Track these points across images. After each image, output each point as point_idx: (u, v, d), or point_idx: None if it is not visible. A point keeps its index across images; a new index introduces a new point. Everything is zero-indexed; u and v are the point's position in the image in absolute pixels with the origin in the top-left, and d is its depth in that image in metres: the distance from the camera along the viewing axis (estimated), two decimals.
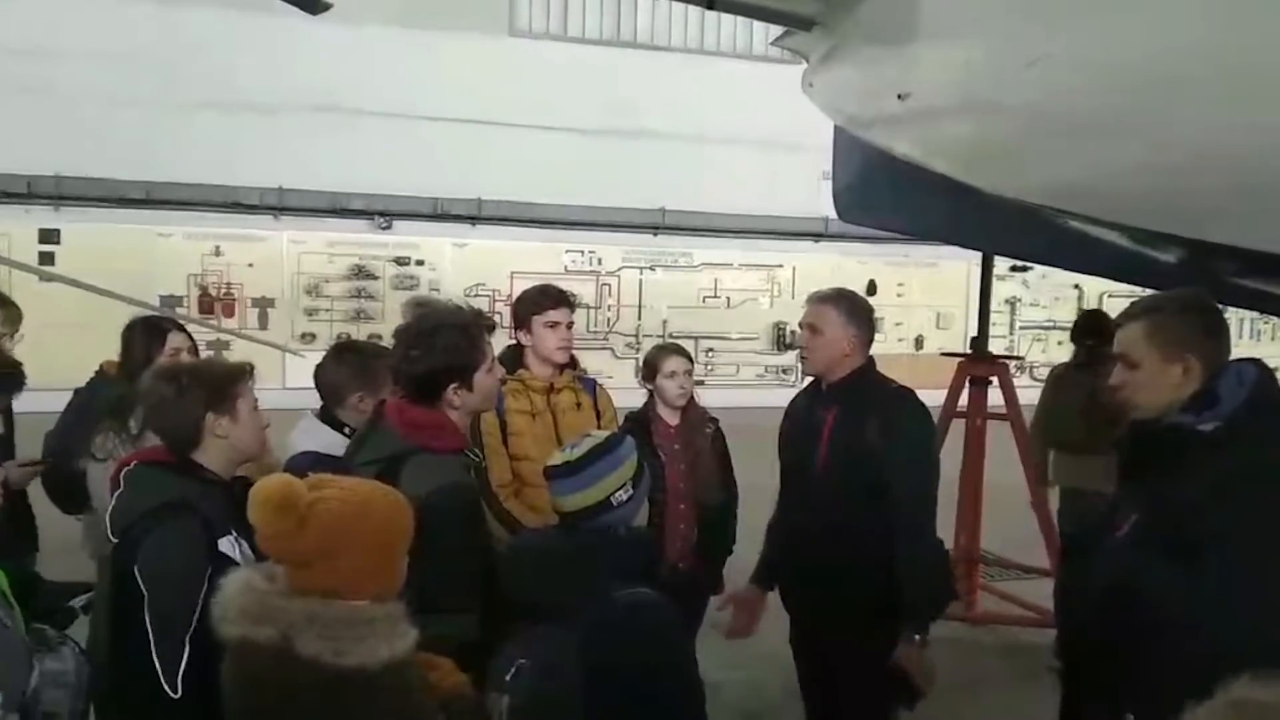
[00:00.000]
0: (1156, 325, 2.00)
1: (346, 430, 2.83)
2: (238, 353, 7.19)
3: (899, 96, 3.00)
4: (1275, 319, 11.54)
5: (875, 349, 3.03)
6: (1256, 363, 1.97)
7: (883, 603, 2.79)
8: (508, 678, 1.89)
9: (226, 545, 2.11)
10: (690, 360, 3.65)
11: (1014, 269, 12.80)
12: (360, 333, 11.25)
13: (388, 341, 2.60)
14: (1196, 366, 1.95)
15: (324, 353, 3.08)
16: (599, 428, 3.19)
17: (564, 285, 3.46)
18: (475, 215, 12.17)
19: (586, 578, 1.97)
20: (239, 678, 1.66)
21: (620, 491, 2.07)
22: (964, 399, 5.35)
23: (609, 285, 12.76)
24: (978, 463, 5.32)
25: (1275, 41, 1.45)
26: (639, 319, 12.79)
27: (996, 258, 5.76)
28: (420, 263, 12.07)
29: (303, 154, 11.11)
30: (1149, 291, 2.33)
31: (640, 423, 3.53)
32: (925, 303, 13.59)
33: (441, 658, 1.89)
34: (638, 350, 11.83)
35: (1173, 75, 1.71)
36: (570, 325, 3.35)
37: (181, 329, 3.51)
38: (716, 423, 3.72)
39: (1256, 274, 2.17)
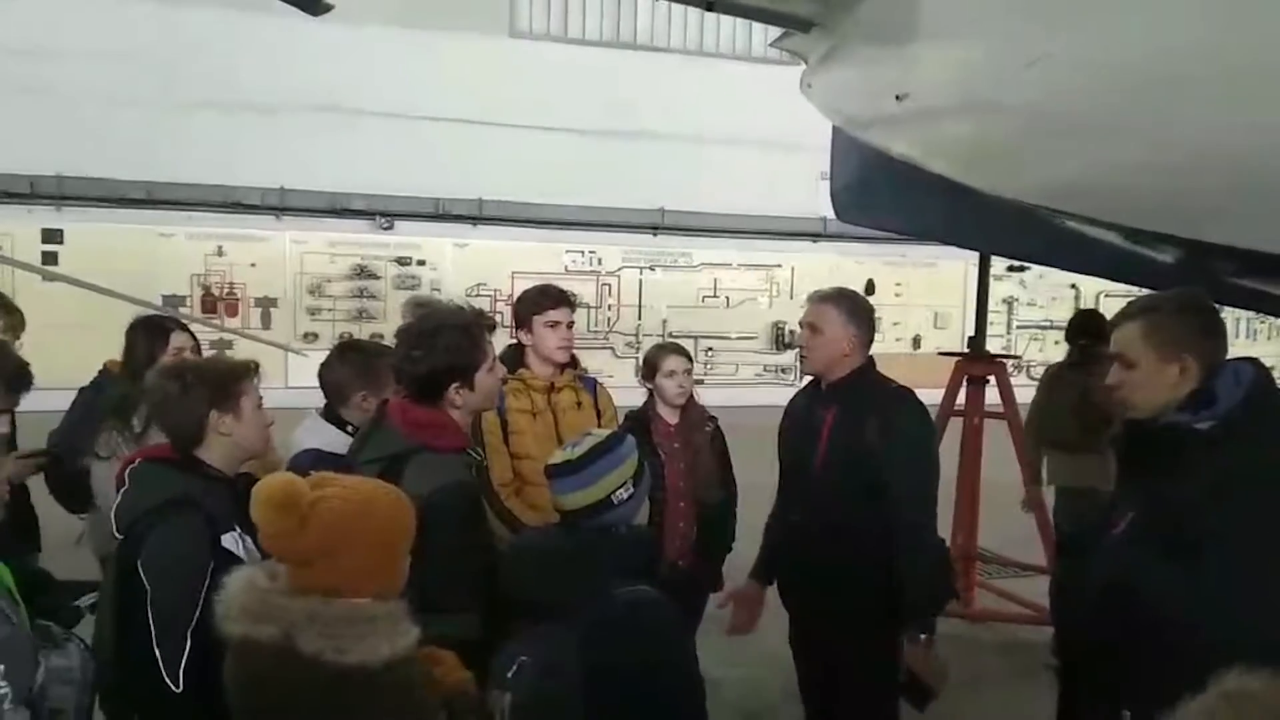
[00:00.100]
0: (1154, 325, 2.00)
1: (350, 429, 2.84)
2: (241, 352, 7.18)
3: (897, 97, 3.01)
4: (1272, 319, 11.52)
5: (873, 348, 3.03)
6: (1253, 362, 1.98)
7: (882, 602, 2.79)
8: (509, 675, 1.90)
9: (230, 541, 2.13)
10: (690, 359, 3.66)
11: (1011, 269, 12.82)
12: (362, 332, 11.26)
13: (390, 341, 2.62)
14: (1193, 366, 1.96)
15: (326, 352, 3.09)
16: (599, 426, 3.19)
17: (564, 285, 3.47)
18: (476, 215, 12.17)
19: (587, 576, 1.98)
20: (241, 676, 1.66)
21: (621, 490, 2.08)
22: (961, 398, 5.36)
23: (609, 285, 12.76)
24: (975, 461, 5.33)
25: (1274, 41, 1.46)
26: (639, 319, 12.79)
27: (994, 258, 5.76)
28: (422, 263, 12.07)
29: (303, 154, 11.10)
30: (1146, 291, 2.32)
31: (640, 421, 3.55)
32: (923, 302, 13.57)
33: (446, 652, 1.90)
34: (638, 350, 11.83)
35: (1170, 75, 1.72)
36: (571, 325, 3.37)
37: (184, 328, 3.52)
38: (716, 421, 3.73)
39: (1254, 274, 2.17)
